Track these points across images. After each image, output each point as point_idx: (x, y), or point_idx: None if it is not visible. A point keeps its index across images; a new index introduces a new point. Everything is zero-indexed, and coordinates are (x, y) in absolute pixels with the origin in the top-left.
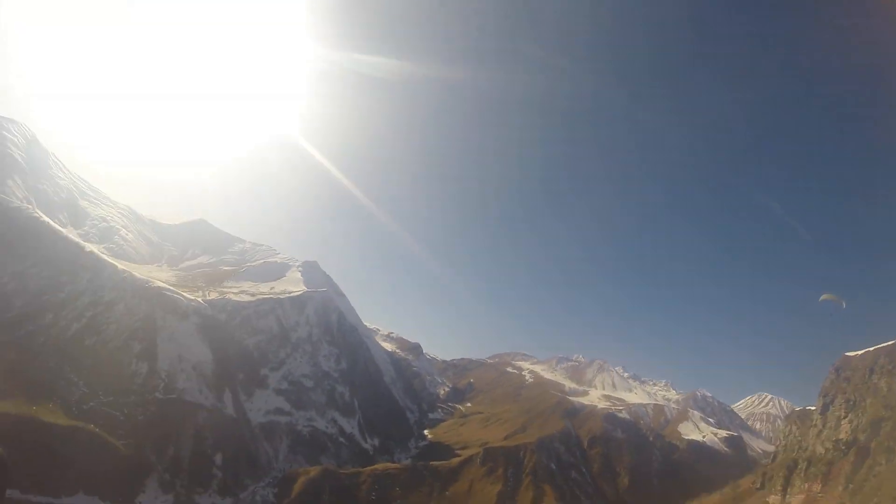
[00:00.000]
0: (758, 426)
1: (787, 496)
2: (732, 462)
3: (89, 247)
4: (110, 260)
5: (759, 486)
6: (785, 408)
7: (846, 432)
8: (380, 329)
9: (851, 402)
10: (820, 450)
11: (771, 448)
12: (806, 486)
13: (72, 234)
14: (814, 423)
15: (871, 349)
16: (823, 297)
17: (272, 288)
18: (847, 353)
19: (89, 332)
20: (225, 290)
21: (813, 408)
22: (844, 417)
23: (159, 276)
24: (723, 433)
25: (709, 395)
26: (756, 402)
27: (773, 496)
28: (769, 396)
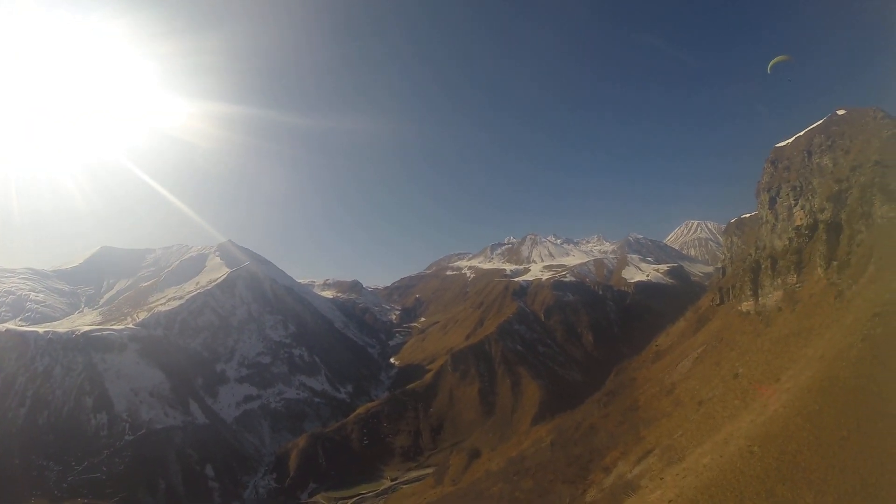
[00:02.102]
0: (693, 252)
1: (761, 298)
2: (681, 291)
3: (3, 326)
4: (30, 328)
5: (718, 301)
6: (713, 229)
7: (802, 218)
8: (315, 280)
9: (798, 189)
10: (780, 243)
11: (710, 269)
12: (779, 281)
13: None
14: (765, 220)
15: (802, 133)
16: (772, 62)
17: (197, 283)
18: (777, 145)
19: (38, 410)
20: (152, 305)
21: (748, 215)
22: (795, 205)
23: (84, 322)
24: (664, 267)
25: (640, 236)
26: (685, 232)
27: (744, 303)
28: (696, 223)
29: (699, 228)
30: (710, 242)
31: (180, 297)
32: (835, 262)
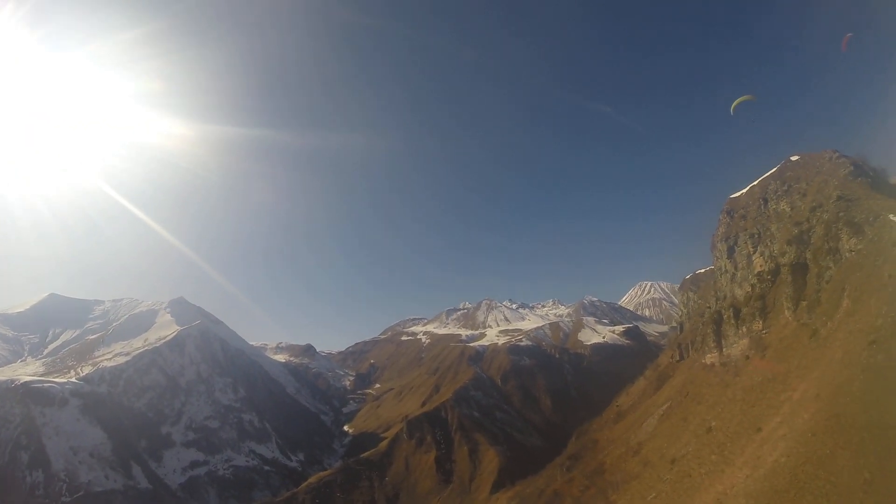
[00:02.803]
0: (647, 313)
1: (726, 349)
2: (637, 351)
3: None
4: None
5: (678, 357)
6: (666, 289)
7: (762, 264)
8: (267, 343)
9: (756, 236)
10: (742, 291)
11: (665, 328)
12: (744, 329)
13: None
14: (723, 270)
15: (756, 182)
16: (736, 103)
17: (146, 340)
18: (732, 196)
19: None
20: (98, 359)
21: (702, 270)
22: (755, 252)
23: (26, 371)
24: (619, 328)
25: (595, 299)
26: (639, 293)
27: (708, 356)
28: (649, 283)
29: (652, 289)
30: (664, 302)
31: (127, 354)
32: (804, 303)
